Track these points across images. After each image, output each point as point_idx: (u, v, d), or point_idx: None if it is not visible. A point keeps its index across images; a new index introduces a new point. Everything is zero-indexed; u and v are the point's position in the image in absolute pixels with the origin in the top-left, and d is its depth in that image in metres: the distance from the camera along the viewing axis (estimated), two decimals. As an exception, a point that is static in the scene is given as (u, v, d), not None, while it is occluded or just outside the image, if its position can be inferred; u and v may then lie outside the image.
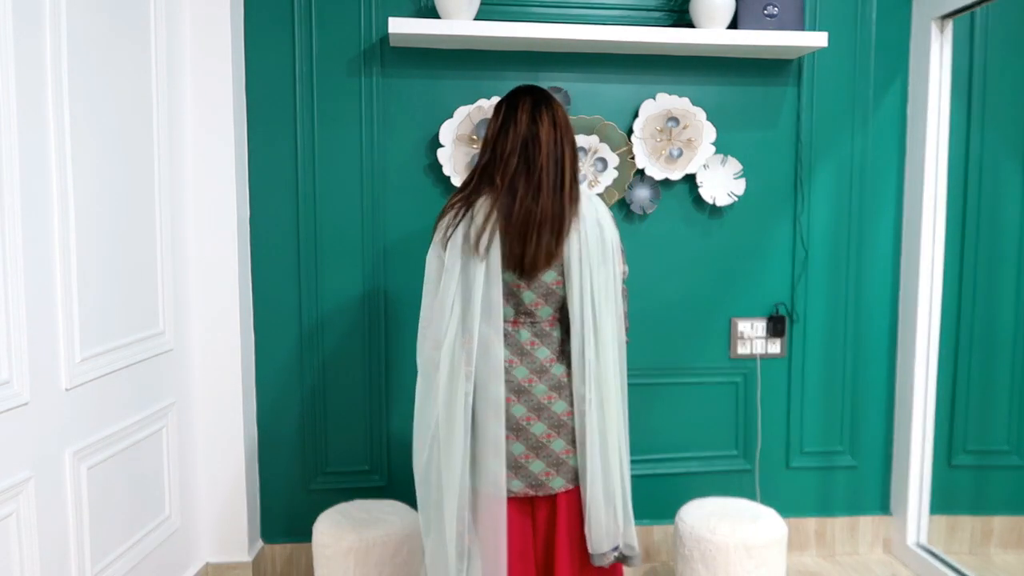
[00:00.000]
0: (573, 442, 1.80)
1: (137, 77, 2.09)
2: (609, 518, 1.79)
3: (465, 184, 1.83)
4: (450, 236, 1.74)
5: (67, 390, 1.78)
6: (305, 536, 2.60)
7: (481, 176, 1.79)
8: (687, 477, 2.80)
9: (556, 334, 1.83)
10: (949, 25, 2.65)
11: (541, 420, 1.79)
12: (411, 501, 2.57)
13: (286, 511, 2.66)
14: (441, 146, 2.55)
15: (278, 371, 2.61)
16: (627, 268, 1.94)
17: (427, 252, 1.83)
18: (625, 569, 2.69)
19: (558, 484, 1.80)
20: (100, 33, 1.90)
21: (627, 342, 1.92)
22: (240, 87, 2.47)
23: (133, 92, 2.07)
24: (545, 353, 1.81)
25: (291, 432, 2.64)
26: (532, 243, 1.71)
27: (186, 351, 2.39)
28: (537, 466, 1.79)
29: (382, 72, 2.56)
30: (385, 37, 2.54)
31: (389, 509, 2.42)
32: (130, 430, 2.06)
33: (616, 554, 1.83)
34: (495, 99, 2.55)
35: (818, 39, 2.50)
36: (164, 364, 2.25)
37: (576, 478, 1.82)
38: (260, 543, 2.63)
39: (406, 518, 2.37)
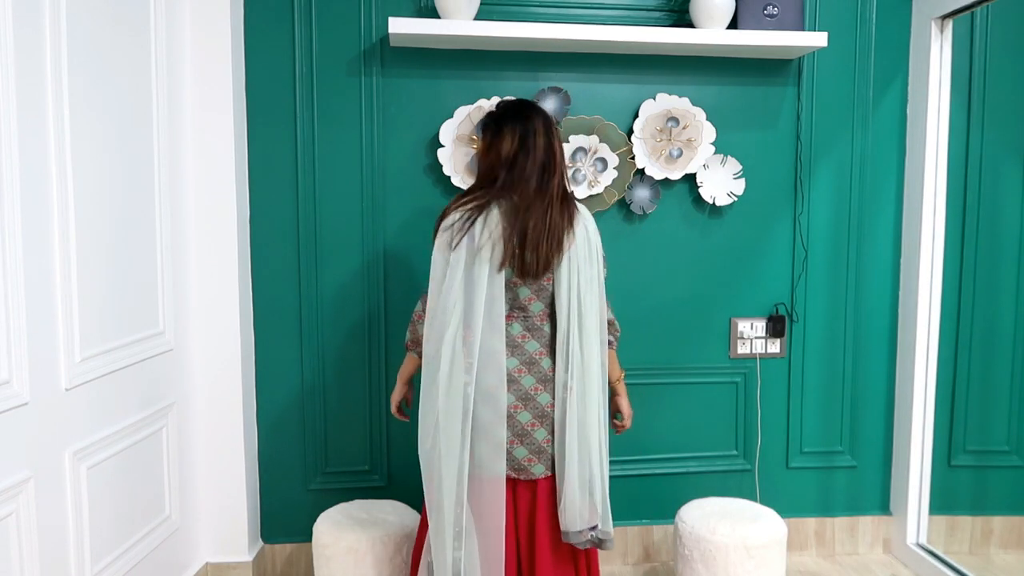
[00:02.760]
0: (553, 432, 1.94)
1: (137, 77, 2.09)
2: (584, 502, 1.90)
3: (472, 190, 1.95)
4: (458, 243, 1.86)
5: (67, 390, 1.78)
6: (305, 536, 2.60)
7: (500, 192, 1.90)
8: (687, 477, 2.80)
9: (546, 329, 1.96)
10: (949, 25, 2.65)
11: (527, 410, 1.92)
12: (411, 501, 2.58)
13: (286, 511, 2.66)
14: (441, 146, 2.55)
15: (278, 371, 2.61)
16: (607, 271, 2.06)
17: (431, 251, 1.93)
18: (623, 567, 2.66)
19: (539, 471, 1.94)
20: (100, 33, 1.90)
21: (612, 343, 2.10)
22: (240, 87, 2.47)
23: (133, 92, 2.07)
24: (535, 346, 1.94)
25: (291, 432, 2.64)
26: (543, 253, 1.87)
27: (186, 351, 2.39)
28: (520, 452, 1.93)
29: (382, 72, 2.56)
30: (385, 37, 2.54)
31: (389, 509, 2.42)
32: (130, 430, 2.06)
33: (594, 534, 1.92)
34: (495, 99, 2.55)
35: (818, 39, 2.50)
36: (164, 364, 2.25)
37: (554, 466, 1.94)
38: (260, 543, 2.64)
39: (406, 518, 2.37)
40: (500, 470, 1.87)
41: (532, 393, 1.92)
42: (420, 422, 1.89)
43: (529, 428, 1.92)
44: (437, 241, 1.91)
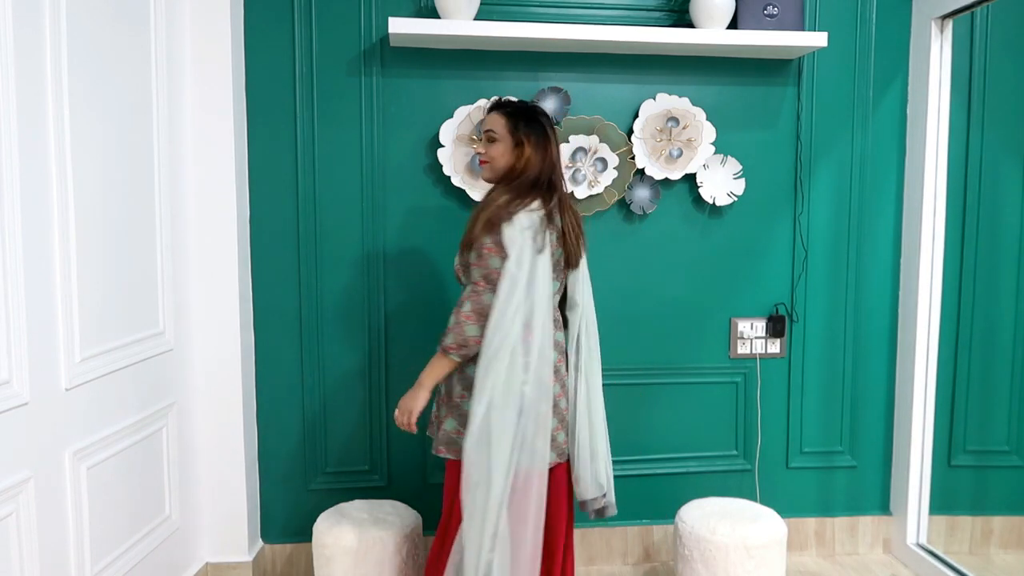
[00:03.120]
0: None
1: (137, 77, 2.09)
2: (592, 472, 2.04)
3: (519, 190, 1.94)
4: (542, 248, 1.88)
5: (67, 390, 1.78)
6: (305, 536, 2.60)
7: (555, 194, 1.98)
8: (687, 477, 2.80)
9: (561, 320, 2.08)
10: (949, 25, 2.65)
11: (565, 395, 2.04)
12: (411, 501, 2.58)
13: (286, 511, 2.66)
14: (441, 146, 2.55)
15: (278, 371, 2.61)
16: None
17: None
18: (623, 567, 2.59)
19: (571, 449, 2.07)
20: (100, 33, 1.90)
21: None
22: (240, 87, 2.47)
23: (133, 92, 2.07)
24: (561, 336, 2.05)
25: (291, 432, 2.64)
26: (580, 247, 2.06)
27: (186, 351, 2.39)
28: (562, 436, 2.03)
29: (382, 72, 2.56)
30: (385, 37, 2.54)
31: (389, 509, 2.42)
32: (130, 430, 2.06)
33: (604, 501, 2.08)
34: (495, 99, 2.54)
35: (818, 39, 2.50)
36: (164, 364, 2.25)
37: None
38: (260, 543, 2.63)
39: (406, 518, 2.38)
40: (548, 459, 1.94)
41: (566, 380, 2.05)
42: (471, 416, 1.85)
43: (565, 413, 2.03)
44: (514, 240, 1.85)
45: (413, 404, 1.98)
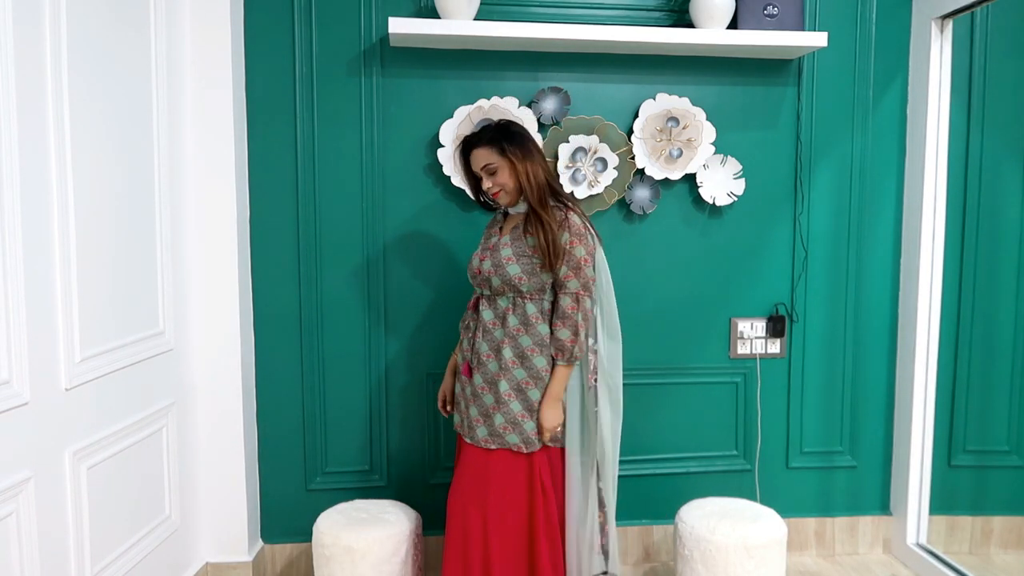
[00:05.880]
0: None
1: (137, 77, 2.09)
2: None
3: (555, 196, 2.12)
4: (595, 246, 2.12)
5: (67, 390, 1.78)
6: (305, 536, 2.60)
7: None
8: (687, 477, 2.80)
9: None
10: (949, 25, 2.65)
11: None
12: (411, 501, 2.58)
13: (286, 511, 2.66)
14: (441, 146, 2.55)
15: (278, 371, 2.61)
16: None
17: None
18: (623, 567, 2.63)
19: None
20: (100, 34, 1.90)
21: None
22: (240, 87, 2.47)
23: (133, 92, 2.07)
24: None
25: (291, 432, 2.64)
26: None
27: (186, 351, 2.39)
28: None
29: (382, 72, 2.56)
30: (385, 37, 2.54)
31: (389, 509, 2.42)
32: (130, 430, 2.06)
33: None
34: (495, 99, 2.55)
35: (818, 39, 2.50)
36: (164, 364, 2.25)
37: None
38: (260, 543, 2.63)
39: (406, 518, 2.37)
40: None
41: None
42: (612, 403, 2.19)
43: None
44: (588, 246, 2.06)
45: (559, 418, 2.10)
